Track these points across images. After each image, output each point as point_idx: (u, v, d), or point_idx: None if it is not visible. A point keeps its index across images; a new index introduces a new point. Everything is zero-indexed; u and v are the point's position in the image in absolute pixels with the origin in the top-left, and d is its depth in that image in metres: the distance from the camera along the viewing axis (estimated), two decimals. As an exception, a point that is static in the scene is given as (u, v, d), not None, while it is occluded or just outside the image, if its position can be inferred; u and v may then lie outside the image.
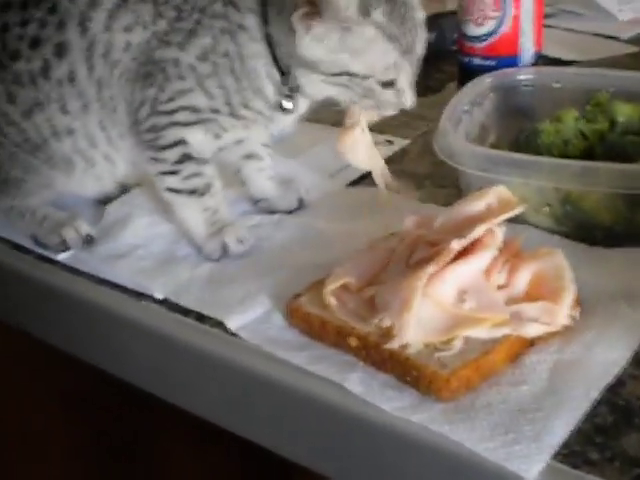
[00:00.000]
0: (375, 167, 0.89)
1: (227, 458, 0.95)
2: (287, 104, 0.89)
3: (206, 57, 0.87)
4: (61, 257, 0.92)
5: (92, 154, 0.93)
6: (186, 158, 0.89)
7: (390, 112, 0.87)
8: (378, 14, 0.82)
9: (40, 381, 1.11)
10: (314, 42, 0.82)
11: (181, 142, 0.89)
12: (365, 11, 0.81)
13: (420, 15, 0.87)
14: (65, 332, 0.93)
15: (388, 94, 0.85)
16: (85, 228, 0.93)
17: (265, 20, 0.86)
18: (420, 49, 0.86)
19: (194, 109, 0.88)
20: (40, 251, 0.94)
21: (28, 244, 0.95)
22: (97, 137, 0.92)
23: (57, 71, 0.89)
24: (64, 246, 0.92)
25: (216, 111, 0.88)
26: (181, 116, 0.88)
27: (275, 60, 0.87)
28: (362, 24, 0.81)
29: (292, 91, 0.89)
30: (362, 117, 0.87)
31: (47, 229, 0.94)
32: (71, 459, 1.12)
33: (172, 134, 0.89)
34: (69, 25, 0.88)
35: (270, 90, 0.89)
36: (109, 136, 0.92)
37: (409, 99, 0.86)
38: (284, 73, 0.87)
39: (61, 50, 0.89)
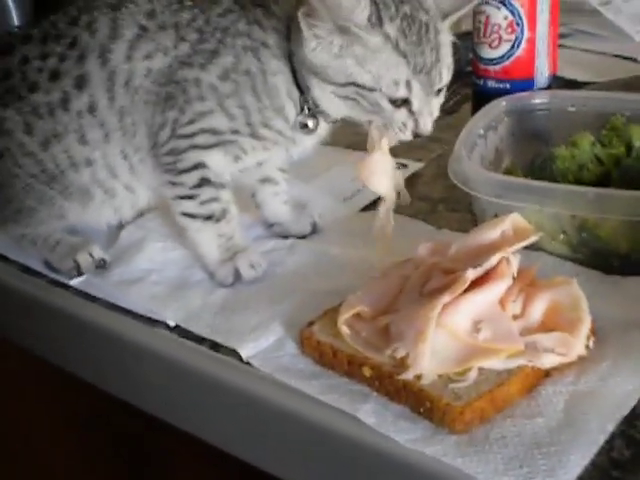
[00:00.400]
0: (390, 196, 0.88)
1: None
2: (309, 122, 0.89)
3: (227, 76, 0.87)
4: (74, 282, 0.92)
5: (112, 184, 0.93)
6: (204, 182, 0.89)
7: (406, 136, 0.85)
8: (391, 27, 0.81)
9: (52, 404, 1.11)
10: (318, 43, 0.82)
11: (200, 165, 0.89)
12: (378, 21, 0.80)
13: (445, 39, 0.85)
14: (77, 357, 0.93)
15: (401, 115, 0.84)
16: (98, 252, 0.93)
17: (288, 38, 0.87)
18: (445, 75, 0.84)
19: (214, 131, 0.88)
20: (53, 276, 0.94)
21: (41, 268, 0.95)
22: (118, 167, 0.92)
23: (77, 103, 0.90)
24: (77, 271, 0.92)
25: (236, 132, 0.88)
26: (201, 139, 0.88)
27: (295, 78, 0.87)
28: (370, 32, 0.80)
29: (312, 110, 0.88)
30: (383, 141, 0.86)
31: (60, 254, 0.94)
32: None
33: (192, 157, 0.89)
34: (89, 58, 0.89)
35: (291, 108, 0.89)
36: (131, 164, 0.92)
37: (423, 125, 0.84)
38: (303, 92, 0.88)
39: (81, 82, 0.89)
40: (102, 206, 0.94)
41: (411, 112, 0.84)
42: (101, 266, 0.93)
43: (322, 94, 0.86)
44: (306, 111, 0.89)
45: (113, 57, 0.89)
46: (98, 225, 0.97)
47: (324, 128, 0.92)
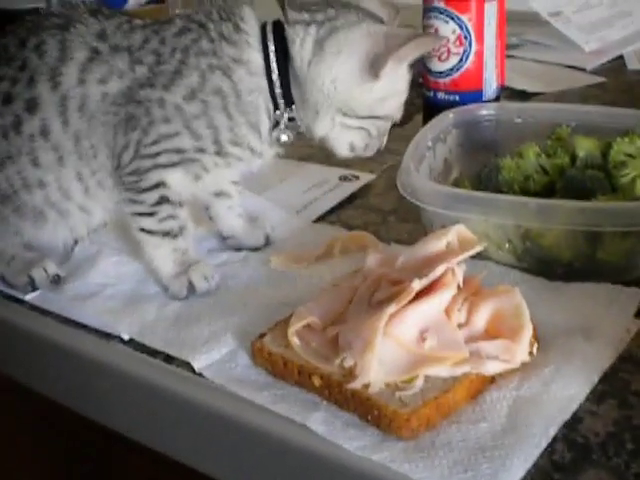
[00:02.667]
0: None
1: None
2: (284, 137, 0.91)
3: (194, 96, 0.87)
4: (29, 297, 0.92)
5: (66, 206, 0.92)
6: (164, 200, 0.89)
7: (371, 154, 0.92)
8: None
9: (6, 416, 1.11)
10: (375, 88, 0.87)
11: (161, 184, 0.89)
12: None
13: None
14: (32, 371, 0.93)
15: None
16: (53, 268, 0.93)
17: (264, 51, 0.88)
18: None
19: (178, 150, 0.88)
20: (7, 291, 0.94)
21: (-5, 284, 0.95)
22: (72, 189, 0.91)
23: (28, 126, 0.89)
24: (32, 286, 0.93)
25: (202, 151, 0.89)
26: (164, 158, 0.88)
27: (272, 94, 0.89)
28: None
29: (286, 124, 0.90)
30: None
31: (15, 269, 0.94)
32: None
33: (154, 177, 0.89)
34: (39, 81, 0.88)
35: (266, 124, 0.90)
36: (86, 186, 0.91)
37: (384, 141, 0.93)
38: (277, 107, 0.89)
39: (32, 106, 0.88)
40: (56, 226, 0.93)
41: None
42: (55, 281, 0.93)
43: (323, 125, 0.89)
44: (282, 125, 0.90)
45: (64, 80, 0.88)
46: (54, 243, 0.96)
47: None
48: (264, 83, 0.88)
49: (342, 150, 0.92)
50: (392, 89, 0.89)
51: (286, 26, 0.88)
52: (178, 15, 0.92)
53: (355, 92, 0.87)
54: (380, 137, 0.93)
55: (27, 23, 0.92)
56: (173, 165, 0.89)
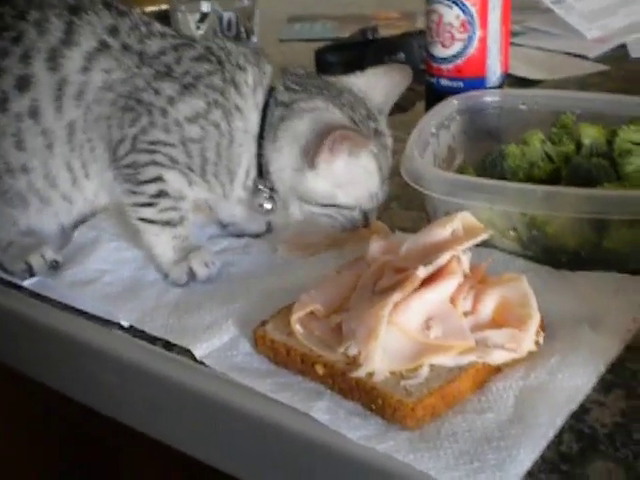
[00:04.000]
0: None
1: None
2: (267, 205, 0.89)
3: (196, 120, 0.86)
4: (27, 283, 0.91)
5: (50, 195, 0.90)
6: (163, 194, 0.88)
7: (353, 229, 0.89)
8: (372, 144, 0.85)
9: (4, 404, 1.10)
10: (318, 176, 0.84)
11: (159, 179, 0.88)
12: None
13: (390, 142, 0.89)
14: (31, 357, 0.92)
15: (358, 215, 0.88)
16: (50, 254, 0.92)
17: (263, 122, 0.86)
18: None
19: (172, 159, 0.87)
20: (6, 277, 0.93)
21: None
22: (60, 178, 0.89)
23: (16, 104, 0.86)
24: (30, 272, 0.91)
25: (190, 169, 0.88)
26: (160, 158, 0.87)
27: (258, 159, 0.87)
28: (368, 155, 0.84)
29: (270, 193, 0.89)
30: None
31: (12, 256, 0.93)
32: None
33: (151, 171, 0.88)
34: (35, 59, 0.86)
35: (241, 182, 0.89)
36: (75, 177, 0.90)
37: (371, 219, 0.89)
38: (262, 174, 0.87)
39: (23, 83, 0.86)
40: (39, 213, 0.92)
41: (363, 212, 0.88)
42: (54, 267, 0.92)
43: (296, 208, 0.88)
44: (266, 194, 0.89)
45: (66, 64, 0.86)
46: (43, 229, 0.94)
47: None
48: (253, 146, 0.87)
49: (327, 227, 0.89)
50: (345, 178, 0.85)
51: (271, 101, 0.87)
52: (202, 41, 0.90)
53: (304, 181, 0.85)
54: (356, 221, 0.88)
55: None
56: (169, 168, 0.88)
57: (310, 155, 0.83)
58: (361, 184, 0.86)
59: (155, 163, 0.87)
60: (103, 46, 0.86)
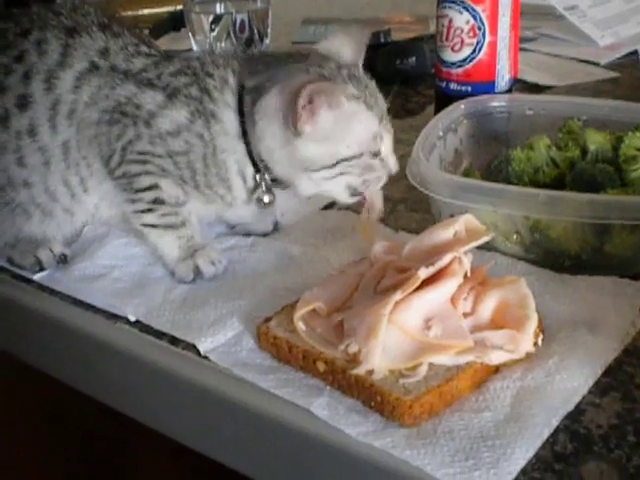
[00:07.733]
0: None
1: (196, 475, 0.96)
2: (265, 198, 0.90)
3: (179, 133, 0.87)
4: (37, 277, 0.93)
5: (51, 207, 0.92)
6: (159, 201, 0.89)
7: (382, 182, 0.88)
8: (351, 88, 0.84)
9: (11, 397, 1.12)
10: (309, 141, 0.83)
11: (154, 187, 0.89)
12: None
13: (373, 84, 0.88)
14: (39, 350, 0.94)
15: (378, 165, 0.87)
16: (59, 248, 0.94)
17: (240, 112, 0.87)
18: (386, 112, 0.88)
19: (163, 169, 0.88)
20: (16, 271, 0.94)
21: (3, 263, 0.96)
22: (59, 192, 0.91)
23: (16, 122, 0.88)
24: (39, 266, 0.93)
25: (183, 181, 0.89)
26: (152, 168, 0.88)
27: (250, 155, 0.87)
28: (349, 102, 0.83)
29: (268, 185, 0.89)
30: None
31: (21, 250, 0.94)
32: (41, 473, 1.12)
33: (145, 180, 0.89)
34: (34, 79, 0.88)
35: (239, 185, 0.89)
36: (73, 193, 0.91)
37: (393, 164, 0.88)
38: (259, 169, 0.88)
39: (23, 102, 0.88)
40: (41, 224, 0.93)
41: (381, 158, 0.87)
42: (62, 261, 0.93)
43: (303, 183, 0.87)
44: (263, 187, 0.89)
45: (59, 85, 0.88)
46: (46, 237, 0.95)
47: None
48: (239, 145, 0.87)
49: (343, 198, 0.89)
50: (336, 131, 0.84)
51: (244, 94, 0.87)
52: (180, 57, 0.92)
53: (297, 152, 0.85)
54: (377, 169, 0.87)
55: (33, 15, 0.91)
56: (160, 175, 0.89)
57: (291, 123, 0.82)
58: (356, 129, 0.84)
59: (147, 172, 0.88)
60: (93, 67, 0.88)
